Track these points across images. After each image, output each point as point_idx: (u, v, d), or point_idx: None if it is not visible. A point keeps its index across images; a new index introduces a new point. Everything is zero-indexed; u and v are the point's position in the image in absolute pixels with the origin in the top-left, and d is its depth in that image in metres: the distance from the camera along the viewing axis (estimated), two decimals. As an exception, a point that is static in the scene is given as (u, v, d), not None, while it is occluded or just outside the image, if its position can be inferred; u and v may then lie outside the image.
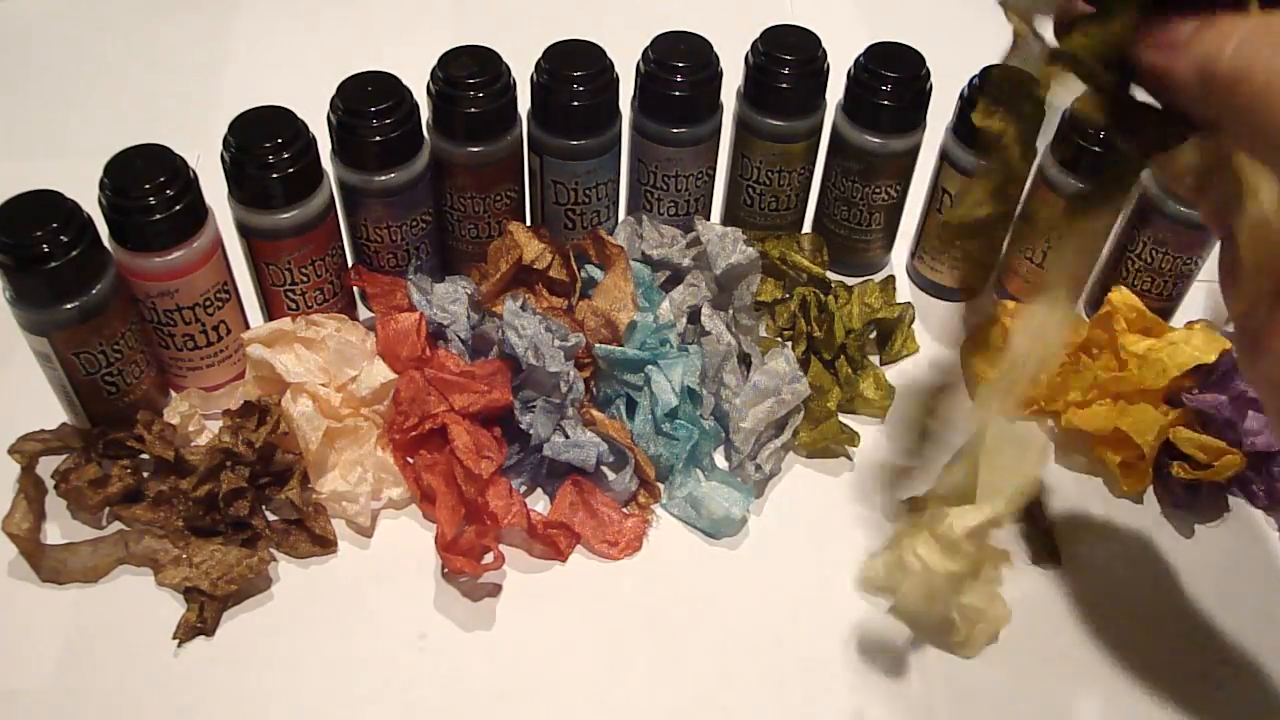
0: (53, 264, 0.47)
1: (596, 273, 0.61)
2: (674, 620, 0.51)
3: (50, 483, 0.53)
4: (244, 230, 0.54)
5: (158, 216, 0.50)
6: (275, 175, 0.52)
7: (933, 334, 0.65)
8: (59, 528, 0.53)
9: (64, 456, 0.53)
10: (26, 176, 0.51)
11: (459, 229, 0.61)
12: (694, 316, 0.60)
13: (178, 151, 0.51)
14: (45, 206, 0.48)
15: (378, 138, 0.54)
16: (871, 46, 0.60)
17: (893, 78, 0.58)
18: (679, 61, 0.57)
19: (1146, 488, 0.57)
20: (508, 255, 0.59)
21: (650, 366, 0.56)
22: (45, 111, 0.77)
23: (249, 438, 0.52)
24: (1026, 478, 0.50)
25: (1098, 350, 0.60)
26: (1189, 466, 0.55)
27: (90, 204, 0.50)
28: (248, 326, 0.57)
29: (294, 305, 0.57)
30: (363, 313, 0.63)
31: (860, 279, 0.65)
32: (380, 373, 0.55)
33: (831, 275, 0.64)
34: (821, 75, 0.60)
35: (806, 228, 0.68)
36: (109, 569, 0.51)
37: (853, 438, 0.58)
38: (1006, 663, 0.50)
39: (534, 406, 0.55)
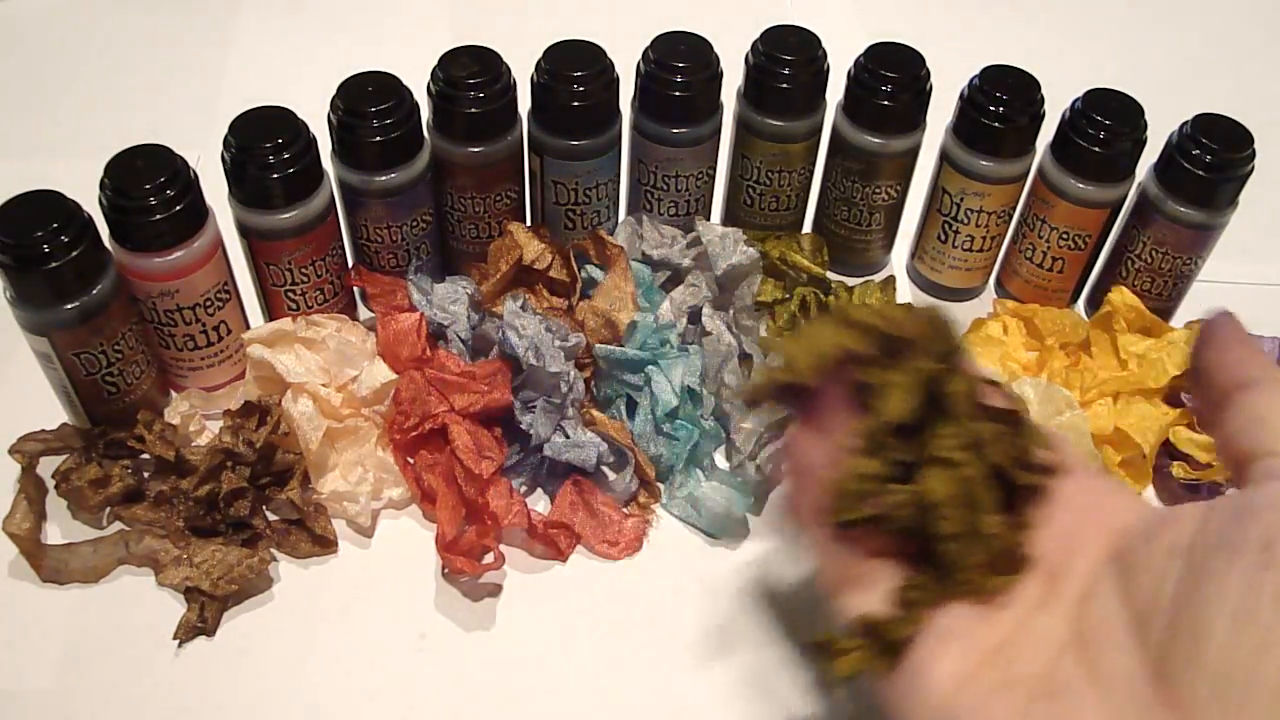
0: (53, 264, 0.47)
1: (597, 273, 0.61)
2: (674, 620, 0.51)
3: (51, 483, 0.53)
4: (244, 230, 0.54)
5: (158, 216, 0.50)
6: (275, 175, 0.52)
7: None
8: (59, 528, 0.53)
9: (64, 456, 0.53)
10: (26, 176, 0.51)
11: (459, 229, 0.61)
12: (694, 317, 0.60)
13: (178, 151, 0.51)
14: (45, 206, 0.48)
15: (378, 138, 0.54)
16: (871, 46, 0.60)
17: (893, 78, 0.58)
18: (679, 61, 0.57)
19: (1146, 488, 0.57)
20: (508, 255, 0.59)
21: (650, 366, 0.56)
22: (45, 111, 0.77)
23: (249, 438, 0.52)
24: None
25: (1098, 350, 0.60)
26: (1189, 466, 0.55)
27: (90, 204, 0.50)
28: (248, 326, 0.57)
29: (294, 305, 0.57)
30: (363, 313, 0.63)
31: (860, 279, 0.65)
32: (380, 373, 0.55)
33: (831, 275, 0.64)
34: (821, 75, 0.60)
35: (806, 228, 0.68)
36: (109, 569, 0.51)
37: (853, 438, 0.58)
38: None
39: (534, 407, 0.55)
